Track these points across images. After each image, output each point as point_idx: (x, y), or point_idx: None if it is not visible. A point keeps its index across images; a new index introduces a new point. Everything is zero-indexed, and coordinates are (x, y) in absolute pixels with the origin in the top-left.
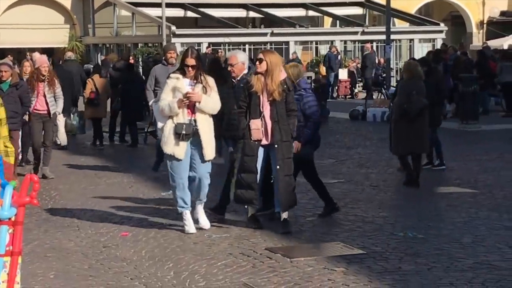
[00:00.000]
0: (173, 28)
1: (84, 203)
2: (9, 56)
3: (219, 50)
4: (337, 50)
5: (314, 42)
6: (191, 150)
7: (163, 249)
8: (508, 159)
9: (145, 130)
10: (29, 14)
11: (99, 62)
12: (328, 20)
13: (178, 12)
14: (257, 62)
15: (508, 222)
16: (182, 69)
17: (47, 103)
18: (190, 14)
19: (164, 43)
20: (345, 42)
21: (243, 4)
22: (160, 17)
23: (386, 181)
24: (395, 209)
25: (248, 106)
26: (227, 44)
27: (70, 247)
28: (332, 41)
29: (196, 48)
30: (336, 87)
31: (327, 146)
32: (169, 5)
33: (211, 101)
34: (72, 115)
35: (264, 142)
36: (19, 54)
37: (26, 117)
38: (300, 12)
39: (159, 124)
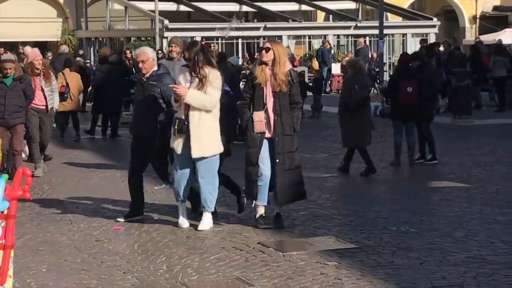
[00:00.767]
0: (166, 22)
1: (76, 197)
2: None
3: (212, 44)
4: (330, 44)
5: (307, 37)
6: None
7: (155, 243)
8: (501, 153)
9: None
10: (21, 7)
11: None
12: (321, 15)
13: (171, 6)
14: (264, 51)
15: (500, 216)
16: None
17: (45, 97)
18: (183, 8)
19: (157, 37)
20: (338, 36)
21: None
22: (153, 11)
23: (379, 176)
24: (387, 203)
25: (251, 98)
26: (220, 39)
27: (63, 241)
28: (325, 36)
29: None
30: (329, 82)
31: (320, 140)
32: None
33: (201, 97)
34: None
35: (267, 135)
36: (12, 48)
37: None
38: (293, 6)
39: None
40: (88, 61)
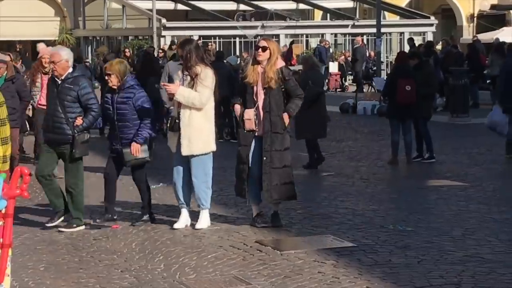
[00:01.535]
0: (164, 21)
1: None
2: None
3: (210, 43)
4: (328, 43)
5: (304, 35)
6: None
7: (153, 242)
8: (498, 152)
9: None
10: (19, 6)
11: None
12: (318, 13)
13: (169, 5)
14: (260, 50)
15: (498, 215)
16: None
17: None
18: (180, 7)
19: (155, 36)
20: (336, 35)
21: None
22: (151, 10)
23: (376, 174)
24: (385, 202)
25: (243, 96)
26: (217, 37)
27: (61, 240)
28: (322, 34)
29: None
30: (327, 80)
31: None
32: None
33: (189, 94)
34: None
35: (259, 133)
36: (10, 47)
37: (30, 113)
38: (290, 5)
39: None
40: (88, 60)
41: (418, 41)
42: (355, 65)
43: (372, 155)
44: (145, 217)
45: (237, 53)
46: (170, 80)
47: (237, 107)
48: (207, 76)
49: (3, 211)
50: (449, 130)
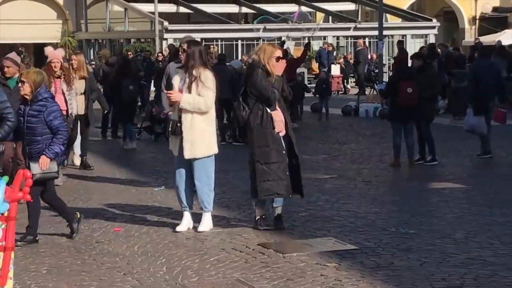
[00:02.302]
0: (166, 23)
1: (76, 198)
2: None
3: (212, 46)
4: (332, 46)
5: (306, 38)
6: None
7: (155, 245)
8: (500, 154)
9: (139, 126)
10: (21, 9)
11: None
12: (320, 16)
13: (171, 8)
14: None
15: (500, 217)
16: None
17: (66, 102)
18: (182, 9)
19: (157, 39)
20: (338, 37)
21: (236, 0)
22: (153, 13)
23: (379, 177)
24: (387, 205)
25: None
26: (219, 40)
27: (63, 243)
28: (324, 37)
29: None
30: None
31: (320, 141)
32: (161, 1)
33: (194, 100)
34: None
35: (282, 132)
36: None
37: None
38: (292, 8)
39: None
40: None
41: (420, 43)
42: (357, 68)
43: (374, 158)
44: (29, 238)
45: (239, 55)
46: (169, 81)
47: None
48: (207, 78)
49: (5, 214)
50: (451, 133)
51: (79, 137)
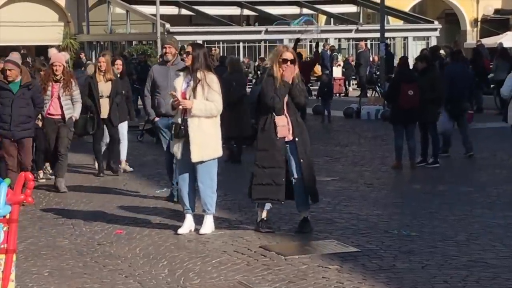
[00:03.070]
0: (167, 25)
1: (78, 200)
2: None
3: (213, 48)
4: (336, 49)
5: (308, 40)
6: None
7: (157, 247)
8: (502, 157)
9: (141, 129)
10: (23, 11)
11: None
12: (322, 18)
13: (172, 10)
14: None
15: (502, 219)
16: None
17: (61, 107)
18: (184, 11)
19: (159, 41)
20: (339, 40)
21: (237, 2)
22: (154, 15)
23: (380, 179)
24: (389, 207)
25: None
26: (221, 42)
27: (65, 245)
28: (326, 39)
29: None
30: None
31: (322, 144)
32: (163, 3)
33: (205, 105)
34: None
35: (288, 138)
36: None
37: (39, 123)
38: (294, 10)
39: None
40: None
41: (422, 45)
42: (359, 70)
43: (376, 160)
44: None
45: (241, 57)
46: (155, 87)
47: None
48: (213, 81)
49: (7, 217)
50: (452, 135)
51: (124, 144)
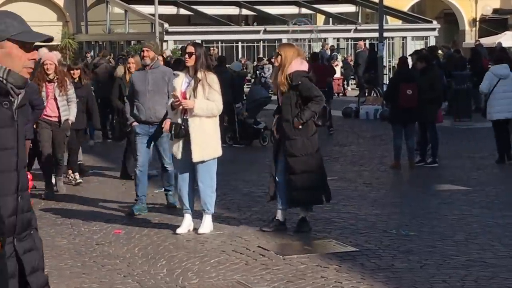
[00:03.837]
0: (166, 25)
1: (77, 200)
2: None
3: (212, 48)
4: (335, 48)
5: (307, 40)
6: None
7: (156, 247)
8: None
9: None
10: (21, 11)
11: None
12: (321, 18)
13: (171, 10)
14: (274, 57)
15: (501, 219)
16: (185, 65)
17: (58, 108)
18: (183, 11)
19: (158, 41)
20: (338, 39)
21: (236, 2)
22: (153, 15)
23: (379, 179)
24: (388, 207)
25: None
26: (220, 42)
27: (63, 245)
28: (325, 39)
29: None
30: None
31: (320, 143)
32: (162, 3)
33: (207, 104)
34: None
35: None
36: None
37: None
38: (293, 10)
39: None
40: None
41: (420, 45)
42: (358, 70)
43: (375, 160)
44: None
45: (240, 57)
46: (135, 94)
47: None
48: (213, 81)
49: None
50: (451, 135)
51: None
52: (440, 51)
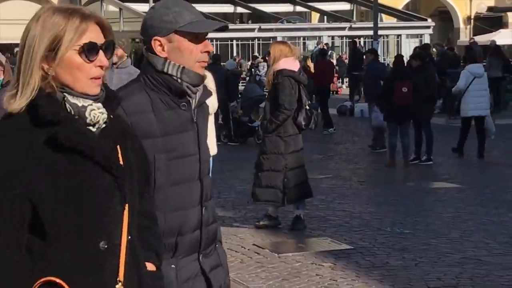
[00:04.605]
0: None
1: None
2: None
3: None
4: (330, 46)
5: (301, 38)
6: None
7: None
8: (495, 154)
9: None
10: (16, 9)
11: None
12: (315, 16)
13: None
14: (267, 55)
15: (495, 217)
16: None
17: None
18: None
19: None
20: (333, 37)
21: (231, 0)
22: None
23: (374, 177)
24: (382, 205)
25: None
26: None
27: None
28: (319, 37)
29: None
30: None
31: (315, 141)
32: (156, 1)
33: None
34: None
35: None
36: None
37: None
38: (287, 8)
39: None
40: None
41: (415, 43)
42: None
43: (369, 158)
44: None
45: (234, 55)
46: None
47: None
48: (209, 79)
49: None
50: (446, 132)
51: None
52: (433, 49)
